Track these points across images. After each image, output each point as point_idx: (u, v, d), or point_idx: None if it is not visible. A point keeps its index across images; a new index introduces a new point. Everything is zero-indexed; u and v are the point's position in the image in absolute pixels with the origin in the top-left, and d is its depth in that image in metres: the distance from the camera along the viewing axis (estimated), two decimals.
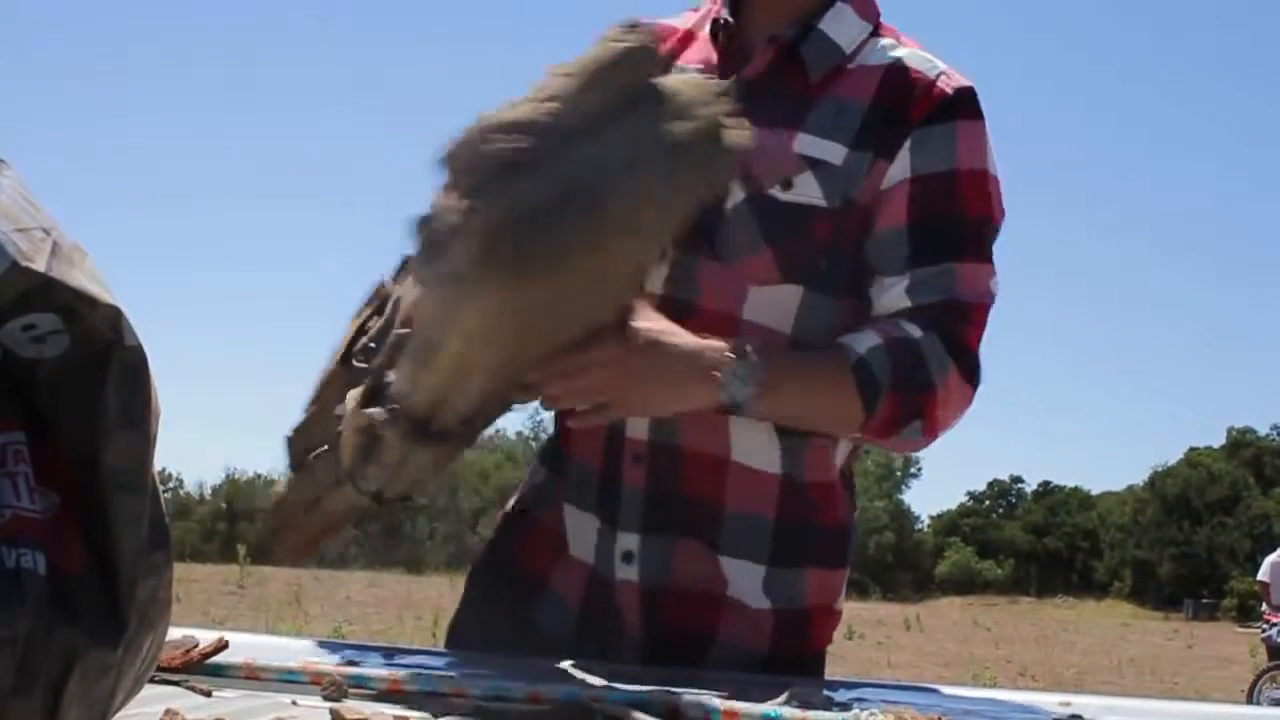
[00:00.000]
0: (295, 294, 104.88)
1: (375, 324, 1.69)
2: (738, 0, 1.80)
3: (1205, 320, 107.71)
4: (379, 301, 1.73)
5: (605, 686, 1.33)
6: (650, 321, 1.57)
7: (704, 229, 1.61)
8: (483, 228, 1.34)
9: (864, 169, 1.65)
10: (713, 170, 1.46)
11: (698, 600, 1.69)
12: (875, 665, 19.43)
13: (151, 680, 1.02)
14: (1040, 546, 75.31)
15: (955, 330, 1.65)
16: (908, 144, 1.66)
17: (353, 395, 1.58)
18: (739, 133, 1.45)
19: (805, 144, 1.66)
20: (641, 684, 1.30)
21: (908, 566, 75.40)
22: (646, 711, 1.22)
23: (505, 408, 1.54)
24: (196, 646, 1.39)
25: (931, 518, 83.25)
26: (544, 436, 1.99)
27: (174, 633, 1.27)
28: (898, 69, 1.70)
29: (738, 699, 1.24)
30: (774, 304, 1.66)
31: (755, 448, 1.68)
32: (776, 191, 1.64)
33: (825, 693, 1.39)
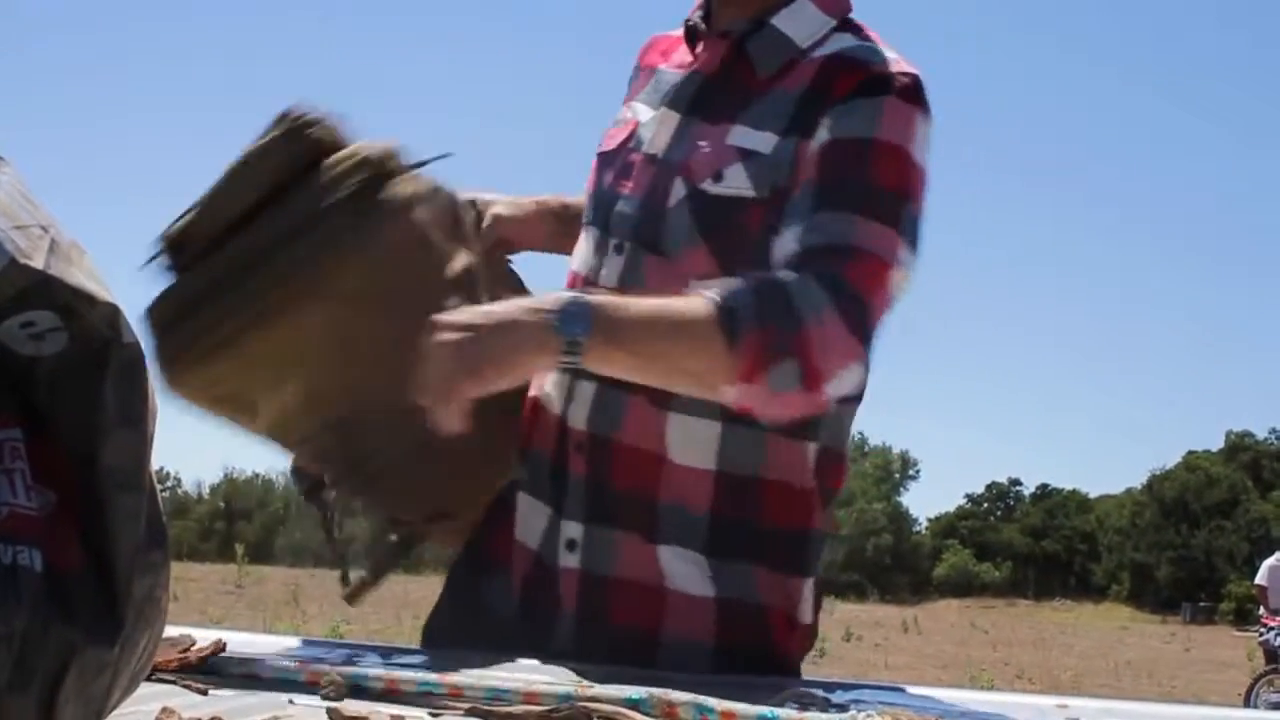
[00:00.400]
0: None
1: None
2: (710, 1, 1.80)
3: (1204, 323, 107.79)
4: None
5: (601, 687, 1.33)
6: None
7: (648, 227, 1.67)
8: (152, 330, 1.65)
9: (790, 154, 1.63)
10: (376, 225, 1.65)
11: (639, 590, 1.68)
12: (873, 667, 19.44)
13: (148, 678, 1.02)
14: (1038, 549, 75.30)
15: (839, 272, 1.55)
16: (829, 116, 1.63)
17: None
18: (403, 187, 1.65)
19: (737, 135, 1.66)
20: (637, 684, 1.30)
21: (906, 569, 75.38)
22: (642, 711, 1.22)
23: (417, 435, 1.55)
24: (193, 646, 1.39)
25: (929, 520, 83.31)
26: None
27: (171, 631, 1.27)
28: (839, 56, 1.68)
29: (733, 700, 1.24)
30: None
31: (692, 442, 1.66)
32: (708, 185, 1.64)
33: (823, 694, 1.39)
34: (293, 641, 1.73)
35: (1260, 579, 14.60)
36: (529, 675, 1.39)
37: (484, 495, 1.85)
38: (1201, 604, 56.55)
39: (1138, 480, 76.32)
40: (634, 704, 1.24)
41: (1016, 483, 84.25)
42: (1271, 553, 15.02)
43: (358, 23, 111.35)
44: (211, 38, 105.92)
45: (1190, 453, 71.51)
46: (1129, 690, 18.71)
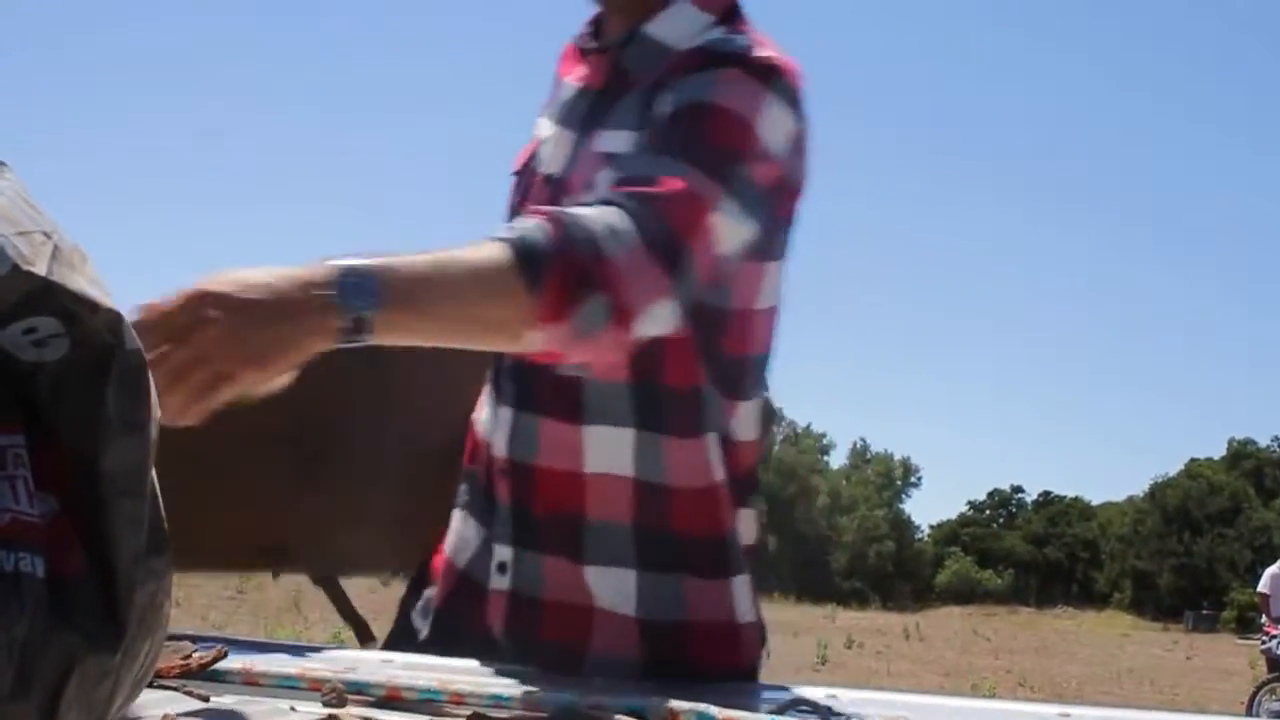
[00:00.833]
0: None
1: None
2: (601, 14, 1.78)
3: (1206, 331, 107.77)
4: None
5: (603, 694, 1.33)
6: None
7: None
8: None
9: (645, 145, 1.58)
10: None
11: (568, 611, 1.66)
12: (875, 674, 19.43)
13: (150, 685, 1.02)
14: (1040, 557, 75.32)
15: (647, 203, 1.45)
16: (670, 92, 1.58)
17: None
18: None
19: (602, 141, 1.64)
20: (637, 693, 1.29)
21: (907, 576, 75.39)
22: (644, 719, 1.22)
23: None
24: (195, 652, 1.39)
25: (931, 527, 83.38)
26: None
27: (172, 636, 1.27)
28: (695, 48, 1.63)
29: (735, 708, 1.24)
30: None
31: (608, 453, 1.63)
32: (581, 195, 1.56)
33: (826, 703, 1.39)
34: (294, 648, 1.72)
35: (1263, 587, 14.61)
36: (530, 685, 1.39)
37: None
38: (1204, 612, 56.51)
39: (1140, 488, 76.49)
40: (636, 712, 1.23)
41: (1019, 490, 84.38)
42: (1274, 560, 15.03)
43: (357, 23, 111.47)
44: (214, 38, 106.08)
45: (1193, 460, 71.52)
46: (1131, 698, 18.70)
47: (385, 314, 1.30)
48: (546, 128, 1.76)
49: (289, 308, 1.26)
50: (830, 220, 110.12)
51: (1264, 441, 73.96)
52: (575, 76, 1.77)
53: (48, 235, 0.81)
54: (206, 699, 1.25)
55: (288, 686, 1.34)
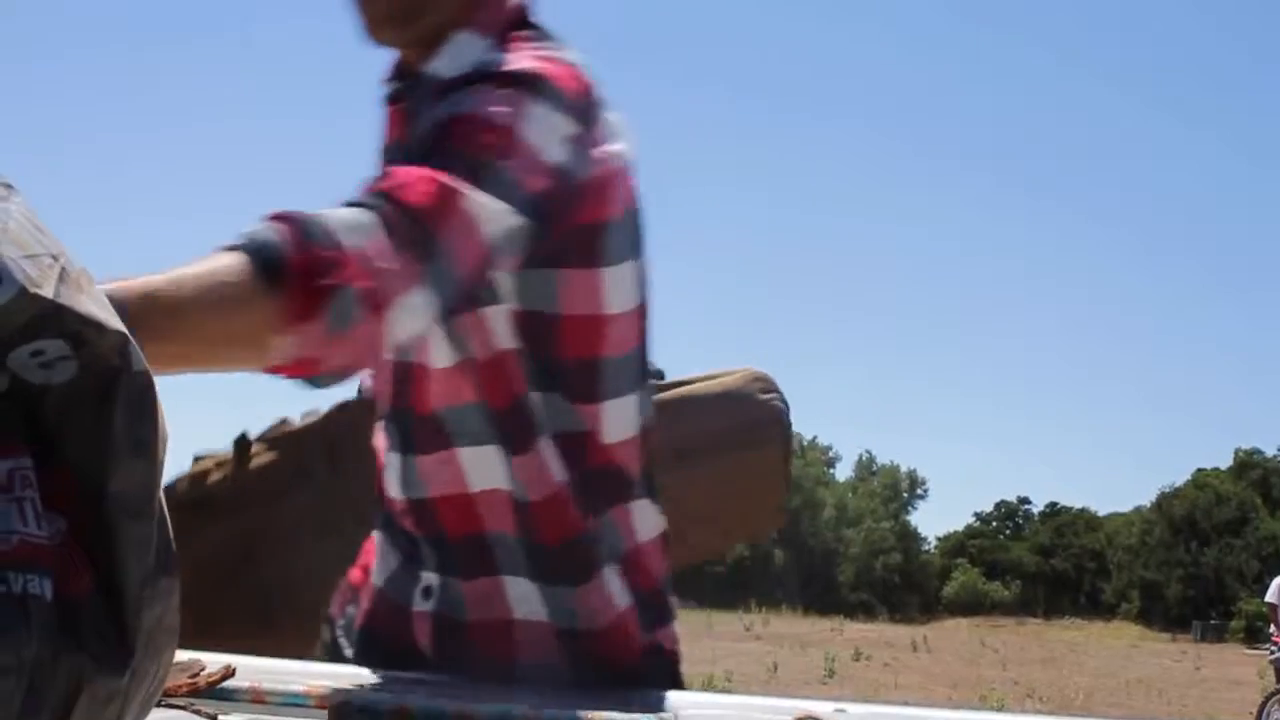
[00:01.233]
0: None
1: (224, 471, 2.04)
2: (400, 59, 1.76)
3: (1212, 341, 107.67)
4: (267, 440, 2.03)
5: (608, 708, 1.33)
6: None
7: None
8: None
9: None
10: None
11: (491, 627, 1.67)
12: (882, 687, 19.41)
13: (158, 704, 1.02)
14: (1048, 568, 75.23)
15: (385, 196, 1.38)
16: (422, 120, 1.57)
17: None
18: None
19: None
20: (647, 709, 1.29)
21: (914, 588, 75.33)
22: None
23: None
24: (203, 671, 1.39)
25: (938, 539, 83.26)
26: None
27: (180, 656, 1.27)
28: (456, 75, 1.61)
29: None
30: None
31: (483, 470, 1.65)
32: None
33: (834, 717, 1.39)
34: (301, 666, 1.72)
35: (1271, 596, 14.58)
36: (535, 699, 1.39)
37: None
38: (1212, 622, 56.42)
39: (1147, 498, 76.45)
40: None
41: (1025, 501, 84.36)
42: None
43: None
44: (219, 48, 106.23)
45: (1199, 470, 71.41)
46: (1139, 709, 18.67)
47: None
48: None
49: None
50: (837, 232, 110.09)
51: (1270, 451, 73.89)
52: (385, 133, 1.77)
53: (55, 258, 0.81)
54: (215, 718, 1.25)
55: (295, 704, 1.34)
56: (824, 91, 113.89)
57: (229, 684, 1.37)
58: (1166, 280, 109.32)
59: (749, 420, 2.14)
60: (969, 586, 74.36)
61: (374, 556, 1.81)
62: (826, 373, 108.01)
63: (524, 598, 1.66)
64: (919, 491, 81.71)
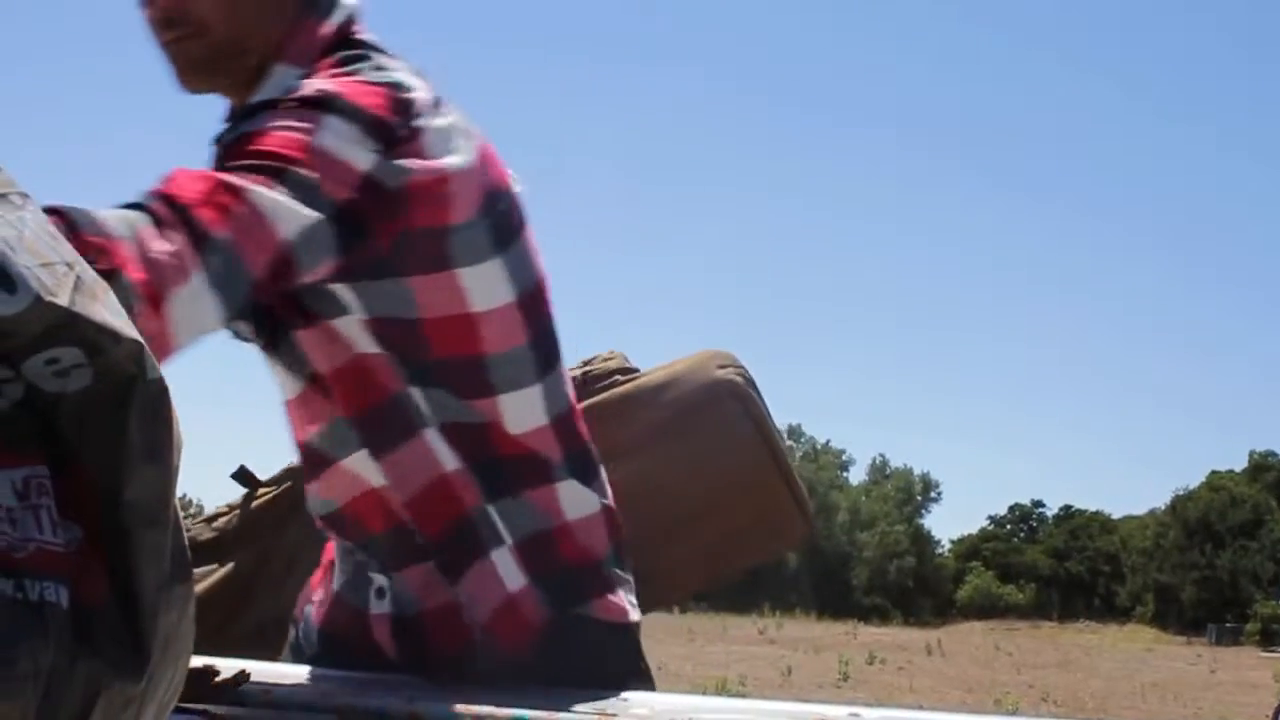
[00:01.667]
0: None
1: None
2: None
3: (1227, 342, 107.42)
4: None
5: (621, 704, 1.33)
6: None
7: None
8: None
9: None
10: None
11: (445, 615, 1.70)
12: (897, 690, 19.40)
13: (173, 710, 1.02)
14: (1062, 571, 75.09)
15: (158, 195, 1.36)
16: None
17: None
18: None
19: None
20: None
21: (928, 591, 75.24)
22: None
23: None
24: (217, 676, 1.39)
25: (952, 542, 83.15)
26: None
27: (194, 661, 1.27)
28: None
29: None
30: None
31: (369, 471, 1.69)
32: None
33: None
34: (313, 671, 1.73)
35: None
36: (555, 702, 1.39)
37: None
38: (1227, 625, 56.26)
39: (1161, 501, 76.17)
40: None
41: (1039, 504, 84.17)
42: None
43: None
44: None
45: (1214, 473, 71.21)
46: (1155, 713, 18.64)
47: None
48: None
49: None
50: (851, 235, 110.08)
51: None
52: None
53: (70, 266, 0.82)
54: None
55: (309, 709, 1.34)
56: (847, 96, 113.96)
57: (243, 688, 1.38)
58: (1181, 282, 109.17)
59: (702, 398, 2.10)
60: (983, 590, 74.24)
61: (334, 558, 1.85)
62: (840, 376, 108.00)
63: (429, 586, 1.69)
64: (933, 495, 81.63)
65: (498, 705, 1.35)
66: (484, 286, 1.65)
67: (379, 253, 1.57)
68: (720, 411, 2.07)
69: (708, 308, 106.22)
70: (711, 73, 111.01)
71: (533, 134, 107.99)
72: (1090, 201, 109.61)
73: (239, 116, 1.63)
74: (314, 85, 1.59)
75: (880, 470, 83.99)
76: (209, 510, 2.51)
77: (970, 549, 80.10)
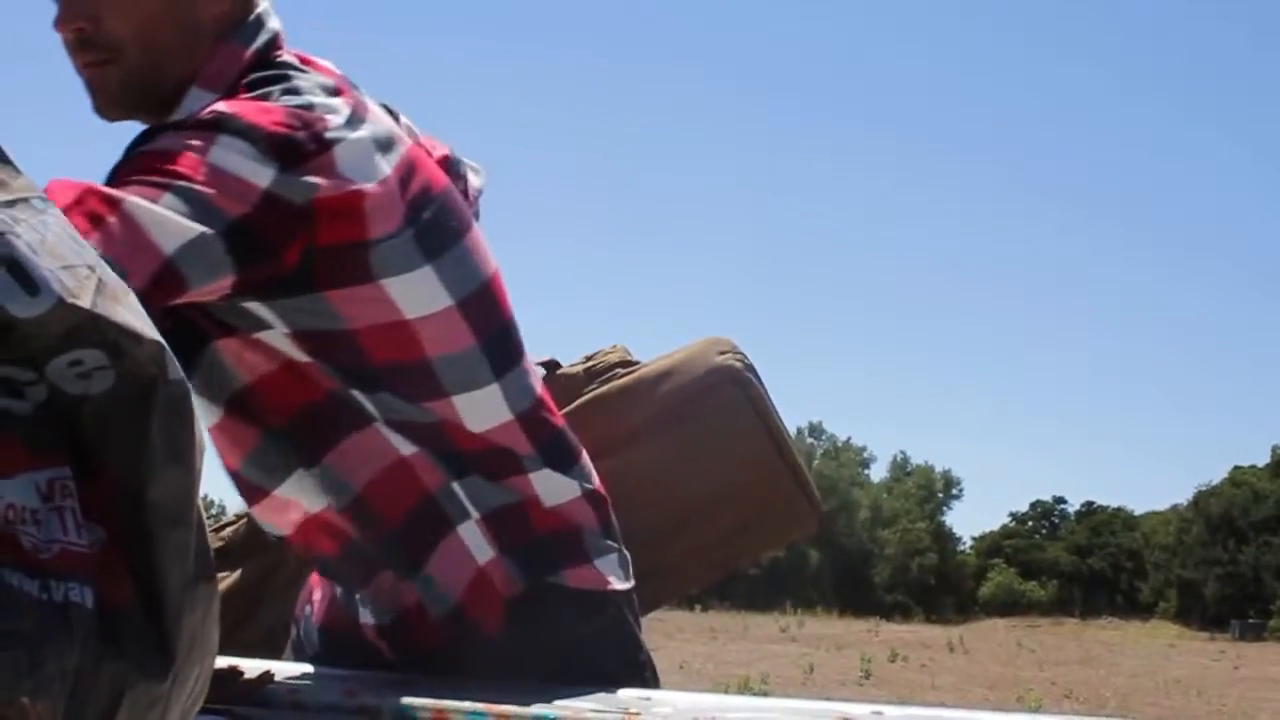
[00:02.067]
0: None
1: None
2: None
3: (1248, 337, 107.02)
4: None
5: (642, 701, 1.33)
6: None
7: None
8: None
9: None
10: None
11: (418, 614, 1.71)
12: (919, 688, 19.36)
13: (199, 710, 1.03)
14: (1084, 567, 74.85)
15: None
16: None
17: None
18: None
19: None
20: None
21: (950, 588, 75.04)
22: None
23: None
24: (242, 678, 1.40)
25: (973, 539, 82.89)
26: None
27: (219, 661, 1.27)
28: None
29: None
30: None
31: (307, 491, 1.70)
32: None
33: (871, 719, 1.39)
34: (340, 671, 1.73)
35: None
36: (583, 704, 1.39)
37: None
38: (1250, 620, 56.00)
39: (1184, 496, 75.78)
40: None
41: (1061, 500, 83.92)
42: None
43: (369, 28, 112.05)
44: None
45: (1236, 468, 70.89)
46: (1178, 709, 18.58)
47: None
48: None
49: None
50: (871, 233, 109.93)
51: None
52: None
53: (92, 269, 0.82)
54: None
55: (333, 710, 1.34)
56: (876, 89, 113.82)
57: (268, 689, 1.38)
58: (1201, 278, 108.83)
59: (701, 384, 2.07)
60: (1005, 587, 74.03)
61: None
62: (860, 374, 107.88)
63: (396, 591, 1.69)
64: (954, 492, 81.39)
65: (522, 704, 1.35)
66: (415, 294, 1.64)
67: (287, 269, 1.56)
68: (720, 397, 2.05)
69: (729, 306, 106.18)
70: (719, 70, 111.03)
71: (542, 130, 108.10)
72: (1115, 198, 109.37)
73: (138, 140, 1.60)
74: (211, 108, 1.58)
75: (901, 467, 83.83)
76: (230, 514, 2.51)
77: (992, 546, 79.88)
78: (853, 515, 75.04)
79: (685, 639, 26.91)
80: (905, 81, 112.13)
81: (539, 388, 1.78)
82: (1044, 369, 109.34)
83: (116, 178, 1.46)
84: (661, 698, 1.51)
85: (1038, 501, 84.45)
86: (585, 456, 1.80)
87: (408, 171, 1.66)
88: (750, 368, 2.08)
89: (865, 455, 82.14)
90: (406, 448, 1.66)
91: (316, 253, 1.57)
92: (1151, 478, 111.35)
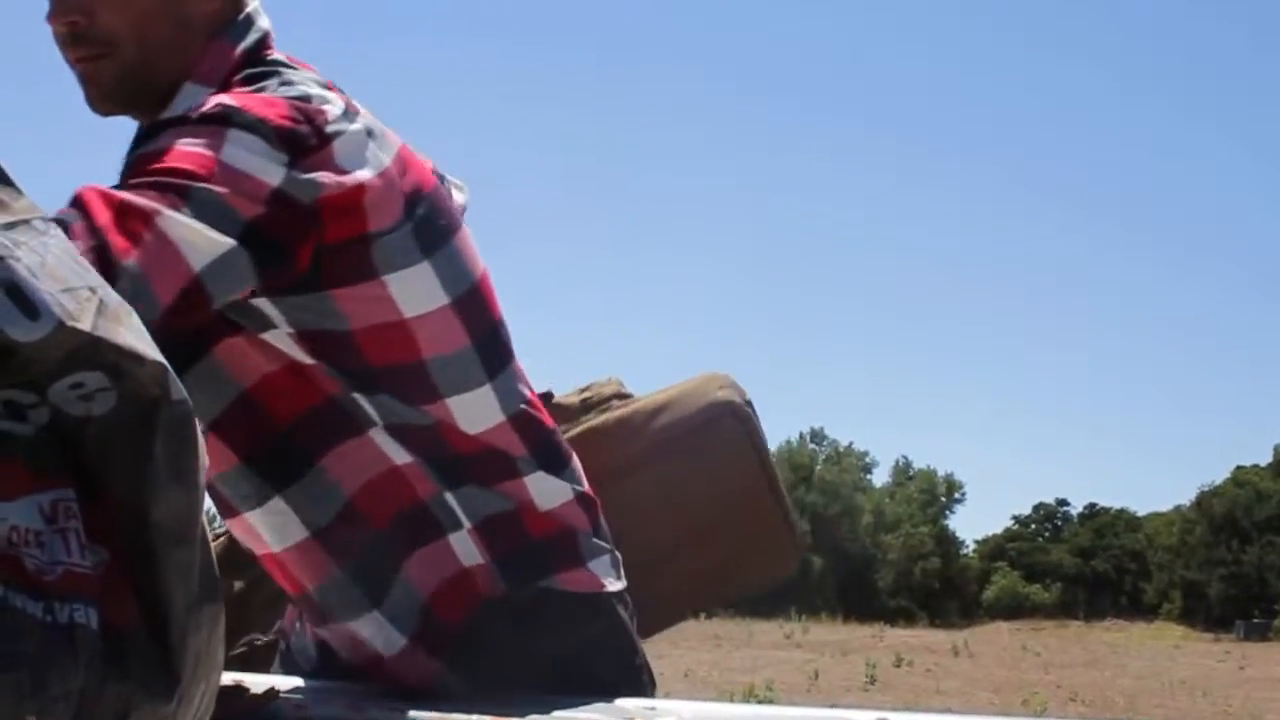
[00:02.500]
0: None
1: None
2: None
3: (1249, 336, 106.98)
4: None
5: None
6: None
7: None
8: None
9: None
10: None
11: (365, 663, 1.73)
12: (924, 693, 19.33)
13: None
14: (1088, 569, 74.77)
15: (72, 211, 1.34)
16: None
17: None
18: None
19: None
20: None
21: (954, 592, 75.00)
22: None
23: None
24: (247, 693, 1.39)
25: (977, 542, 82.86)
26: None
27: (224, 679, 1.27)
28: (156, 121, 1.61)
29: None
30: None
31: (281, 529, 1.69)
32: None
33: None
34: (342, 685, 1.73)
35: None
36: (588, 715, 1.39)
37: None
38: (1255, 621, 55.95)
39: (1186, 497, 75.71)
40: None
41: (1064, 503, 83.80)
42: None
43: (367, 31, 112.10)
44: None
45: (1239, 468, 70.86)
46: (1184, 710, 18.56)
47: None
48: None
49: None
50: (872, 238, 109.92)
51: None
52: None
53: (93, 291, 0.82)
54: None
55: None
56: (855, 93, 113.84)
57: (272, 705, 1.38)
58: (1202, 277, 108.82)
59: (702, 418, 2.09)
60: (1009, 590, 73.98)
61: None
62: (862, 379, 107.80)
63: (376, 633, 1.68)
64: (956, 495, 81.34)
65: (537, 715, 1.35)
66: (414, 291, 1.64)
67: (300, 271, 1.55)
68: (720, 431, 2.07)
69: (728, 310, 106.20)
70: (716, 71, 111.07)
71: (539, 132, 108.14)
72: (1115, 199, 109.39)
73: (142, 136, 1.61)
74: (215, 100, 1.57)
75: (904, 472, 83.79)
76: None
77: (995, 549, 79.83)
78: (855, 520, 75.03)
79: (690, 646, 26.87)
80: (905, 83, 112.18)
81: (528, 390, 1.78)
82: (1045, 371, 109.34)
83: (131, 178, 1.45)
84: (666, 707, 1.51)
85: (1040, 504, 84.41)
86: (575, 459, 1.80)
87: (402, 165, 1.65)
88: (749, 403, 2.10)
89: (867, 460, 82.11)
90: (401, 456, 1.65)
91: (325, 251, 1.56)
92: (1154, 479, 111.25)
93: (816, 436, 79.69)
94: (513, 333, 1.78)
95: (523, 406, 1.74)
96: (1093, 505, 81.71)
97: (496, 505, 1.69)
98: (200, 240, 1.42)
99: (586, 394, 2.11)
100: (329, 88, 1.67)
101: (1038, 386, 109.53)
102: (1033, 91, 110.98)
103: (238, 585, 2.28)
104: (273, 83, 1.63)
